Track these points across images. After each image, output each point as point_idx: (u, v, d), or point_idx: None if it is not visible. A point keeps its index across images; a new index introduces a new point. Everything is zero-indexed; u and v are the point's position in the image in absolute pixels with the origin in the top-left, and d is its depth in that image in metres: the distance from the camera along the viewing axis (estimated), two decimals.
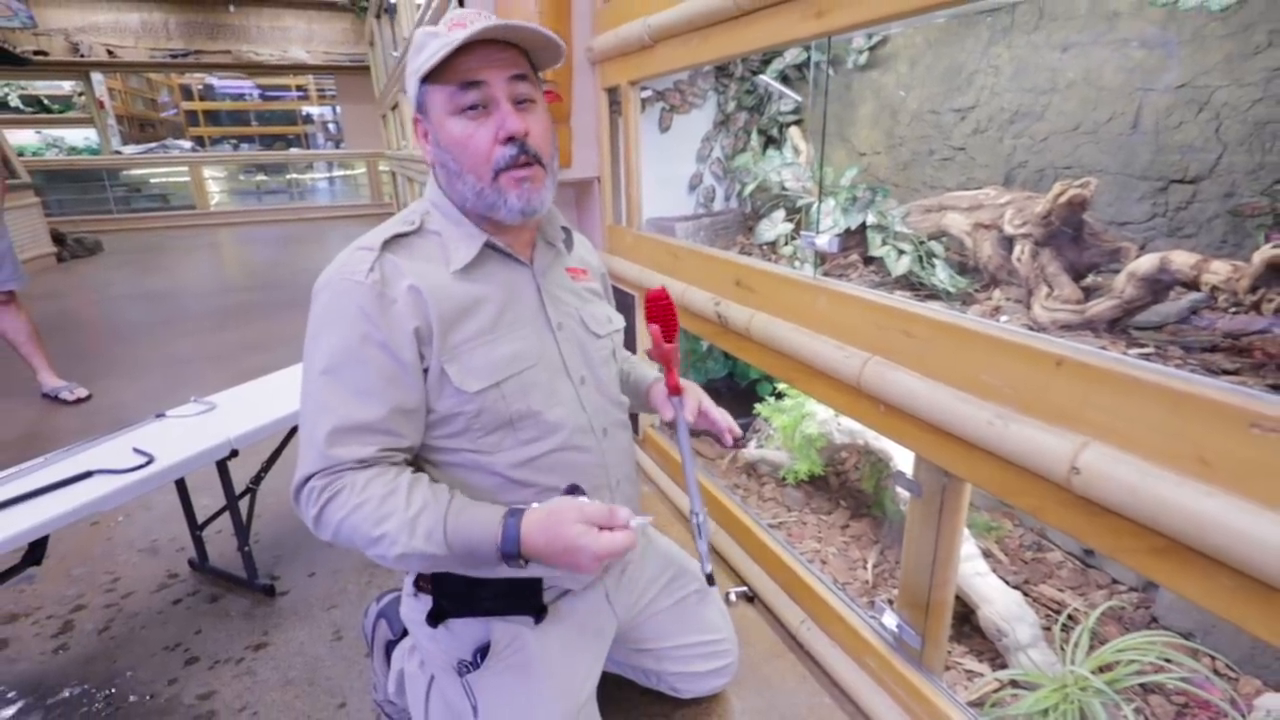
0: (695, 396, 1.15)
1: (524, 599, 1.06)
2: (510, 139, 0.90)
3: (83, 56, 9.96)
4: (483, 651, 1.06)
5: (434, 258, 0.95)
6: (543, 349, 1.00)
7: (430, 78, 0.90)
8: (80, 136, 10.95)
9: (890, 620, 1.29)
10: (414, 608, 1.09)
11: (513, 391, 0.95)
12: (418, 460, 0.99)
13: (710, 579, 1.04)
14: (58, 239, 7.26)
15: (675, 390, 1.13)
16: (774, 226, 1.86)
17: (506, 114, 0.90)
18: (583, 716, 1.09)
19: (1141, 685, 1.20)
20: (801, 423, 1.83)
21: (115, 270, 6.72)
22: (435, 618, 1.05)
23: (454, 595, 1.05)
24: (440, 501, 0.89)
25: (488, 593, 1.04)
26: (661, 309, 1.07)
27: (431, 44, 0.89)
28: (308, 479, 0.88)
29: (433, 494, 0.89)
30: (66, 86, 10.81)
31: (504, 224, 0.96)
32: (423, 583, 1.07)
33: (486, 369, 0.93)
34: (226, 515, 1.76)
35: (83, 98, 10.60)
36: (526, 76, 0.93)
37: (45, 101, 10.88)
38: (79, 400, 3.12)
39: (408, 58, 0.94)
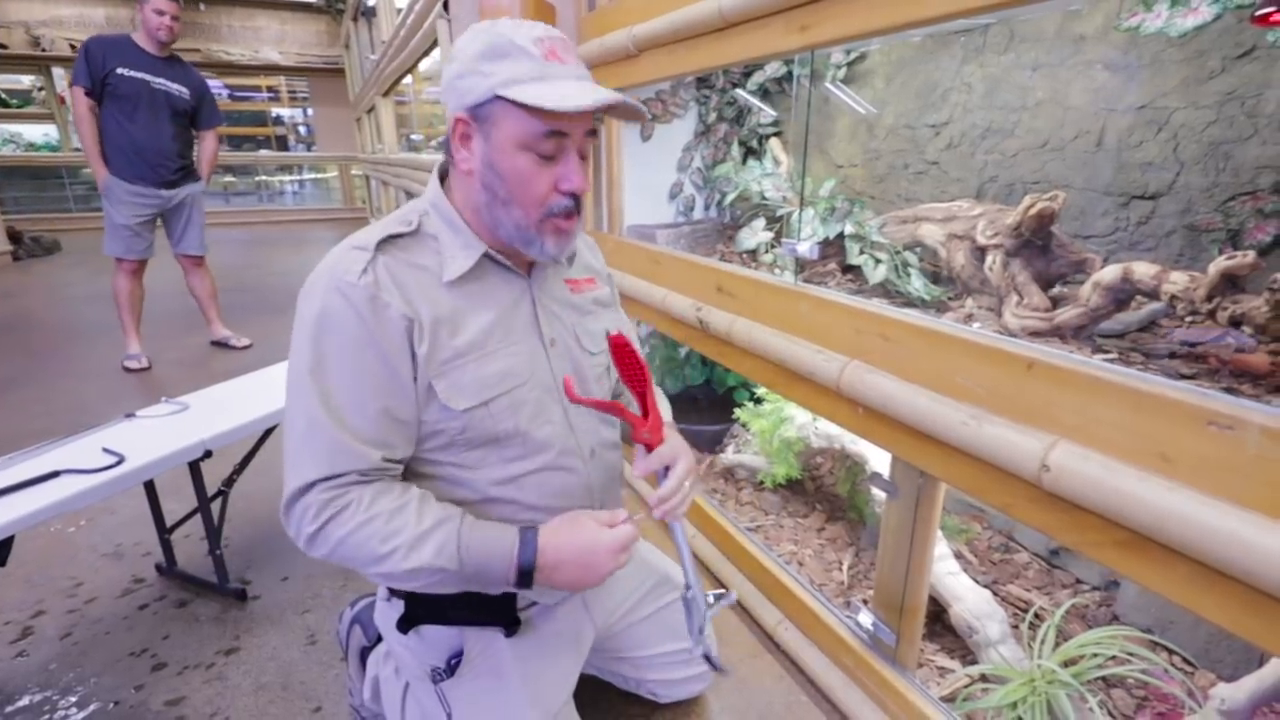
0: (660, 460, 0.98)
1: (496, 611, 1.02)
2: (570, 193, 0.89)
3: (44, 50, 9.67)
4: (456, 659, 1.03)
5: (429, 264, 0.91)
6: (534, 366, 0.96)
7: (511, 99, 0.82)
8: (39, 132, 10.62)
9: (866, 619, 1.32)
10: (387, 613, 1.06)
11: (501, 410, 0.92)
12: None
13: (711, 663, 1.07)
14: (14, 237, 7.02)
15: (649, 444, 0.98)
16: (754, 235, 1.90)
17: (574, 169, 0.88)
18: None
19: (1104, 679, 1.24)
20: (780, 427, 1.87)
21: (74, 270, 6.52)
22: (406, 623, 1.02)
23: (426, 602, 1.01)
24: (453, 517, 0.88)
25: (459, 602, 1.00)
26: (629, 359, 0.94)
27: (520, 62, 0.82)
28: (304, 490, 0.85)
29: (444, 510, 0.89)
30: (26, 81, 10.46)
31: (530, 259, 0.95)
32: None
33: (475, 386, 0.90)
34: (195, 519, 1.73)
35: (43, 93, 10.29)
36: (596, 131, 0.93)
37: (3, 96, 10.53)
38: (244, 347, 3.83)
39: (467, 52, 0.85)
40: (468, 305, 0.92)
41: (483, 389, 0.91)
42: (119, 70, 3.15)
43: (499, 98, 0.83)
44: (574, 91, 0.82)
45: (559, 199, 0.89)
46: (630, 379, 0.95)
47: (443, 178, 0.98)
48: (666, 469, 0.98)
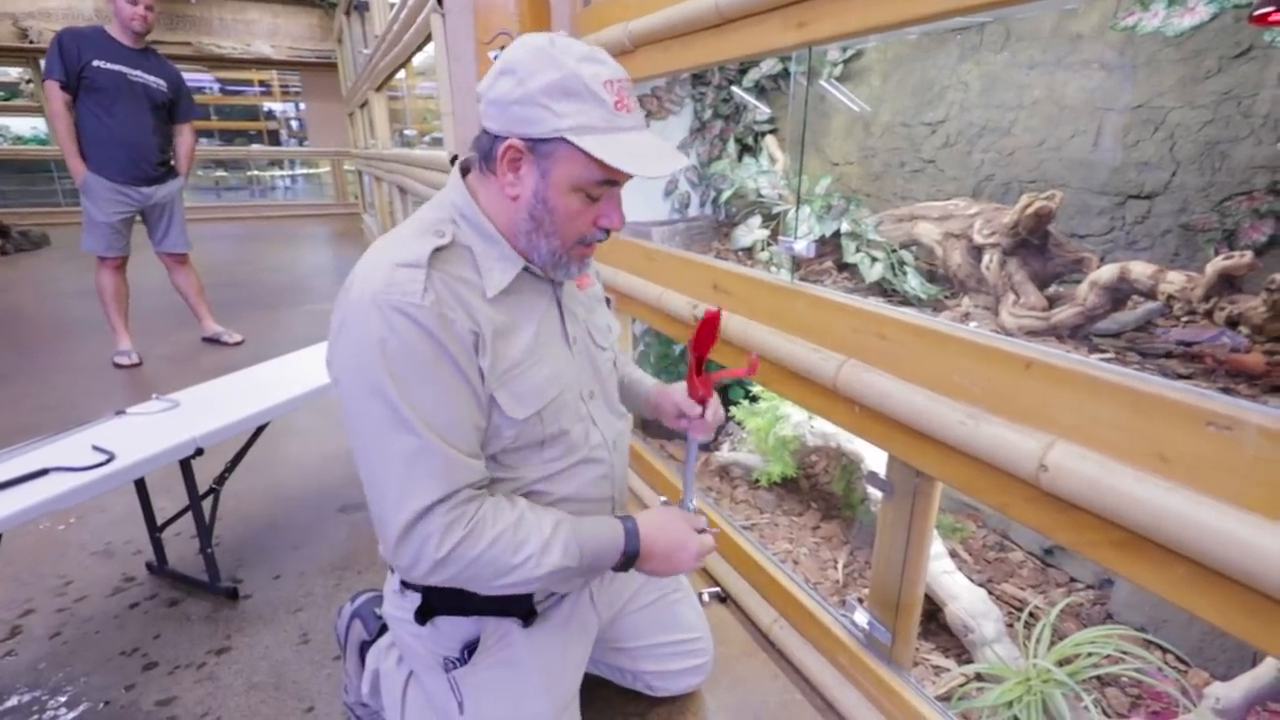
0: (714, 407, 1.15)
1: (515, 601, 1.05)
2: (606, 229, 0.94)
3: (32, 43, 9.56)
4: (470, 648, 1.05)
5: (471, 278, 0.90)
6: (567, 367, 1.00)
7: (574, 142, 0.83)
8: (27, 125, 10.50)
9: (861, 618, 1.32)
10: (399, 605, 1.07)
11: (550, 415, 0.96)
12: None
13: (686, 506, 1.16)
14: (2, 231, 6.97)
15: (703, 400, 1.13)
16: (750, 232, 1.89)
17: (616, 208, 0.93)
18: (568, 714, 1.10)
19: (1098, 677, 1.25)
20: (775, 425, 1.86)
21: (62, 265, 6.46)
22: (423, 615, 1.04)
23: (445, 595, 1.02)
24: (562, 519, 0.93)
25: (480, 594, 1.01)
26: (710, 331, 1.07)
27: (590, 107, 0.82)
28: (423, 516, 0.83)
29: (551, 513, 0.94)
30: (13, 73, 10.34)
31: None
32: None
33: (532, 395, 0.93)
34: (186, 517, 1.71)
35: (30, 85, 10.17)
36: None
37: None
38: (236, 343, 3.78)
39: (534, 82, 0.82)
40: (512, 316, 0.93)
41: (538, 397, 0.94)
42: (95, 63, 3.08)
43: (565, 140, 0.83)
44: (648, 154, 0.86)
45: (595, 233, 0.93)
46: (701, 345, 1.08)
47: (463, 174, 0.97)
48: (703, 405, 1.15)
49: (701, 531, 1.05)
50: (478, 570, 0.87)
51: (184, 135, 3.52)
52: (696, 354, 1.10)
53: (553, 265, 0.95)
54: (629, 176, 0.89)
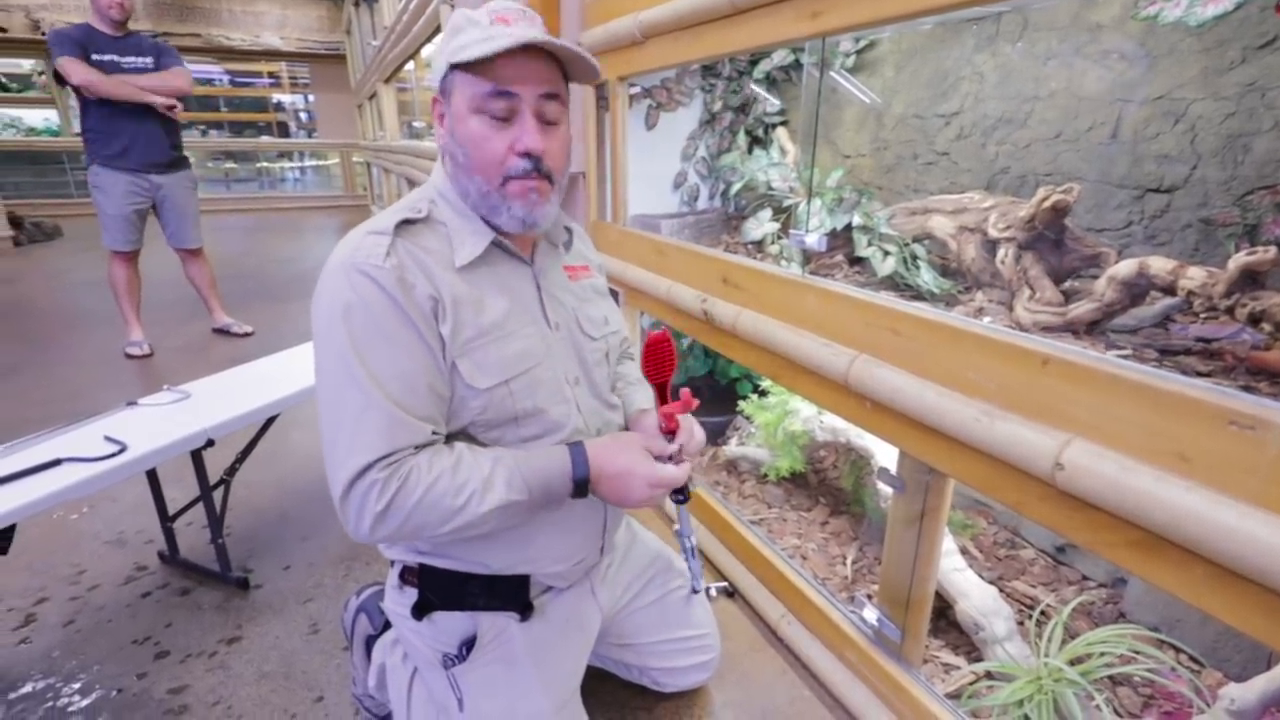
0: (686, 433, 1.06)
1: (511, 596, 1.05)
2: (526, 154, 0.90)
3: (44, 35, 9.59)
4: (468, 645, 1.05)
5: (441, 249, 0.93)
6: (545, 348, 1.00)
7: (460, 64, 0.88)
8: (39, 117, 10.55)
9: (871, 614, 1.31)
10: (398, 600, 1.08)
11: (521, 389, 0.95)
12: None
13: (694, 589, 1.14)
14: (15, 222, 6.99)
15: (669, 430, 1.04)
16: (761, 225, 1.88)
17: (528, 129, 0.90)
18: (568, 710, 1.09)
19: (1110, 677, 1.23)
20: (784, 420, 1.85)
21: (75, 256, 6.49)
22: (420, 610, 1.04)
23: (440, 589, 1.04)
24: (501, 455, 0.91)
25: (475, 588, 1.04)
26: (659, 353, 1.01)
27: (470, 32, 0.88)
28: (363, 472, 0.84)
29: (489, 452, 0.92)
30: (26, 65, 10.39)
31: (502, 229, 0.97)
32: (408, 575, 1.06)
33: (498, 366, 0.93)
34: (197, 507, 1.72)
35: (43, 77, 10.22)
36: (558, 96, 0.93)
37: (3, 80, 10.45)
38: (246, 335, 3.81)
39: (443, 36, 0.93)
40: (480, 290, 0.94)
41: (504, 368, 0.93)
42: (92, 57, 3.09)
43: (452, 67, 0.89)
44: (499, 44, 0.84)
45: (516, 161, 0.91)
46: (658, 372, 1.02)
47: None
48: (672, 433, 1.06)
49: (670, 459, 0.97)
50: (421, 517, 0.85)
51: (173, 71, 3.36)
52: (656, 384, 1.01)
53: (489, 209, 0.94)
54: (522, 83, 0.88)
